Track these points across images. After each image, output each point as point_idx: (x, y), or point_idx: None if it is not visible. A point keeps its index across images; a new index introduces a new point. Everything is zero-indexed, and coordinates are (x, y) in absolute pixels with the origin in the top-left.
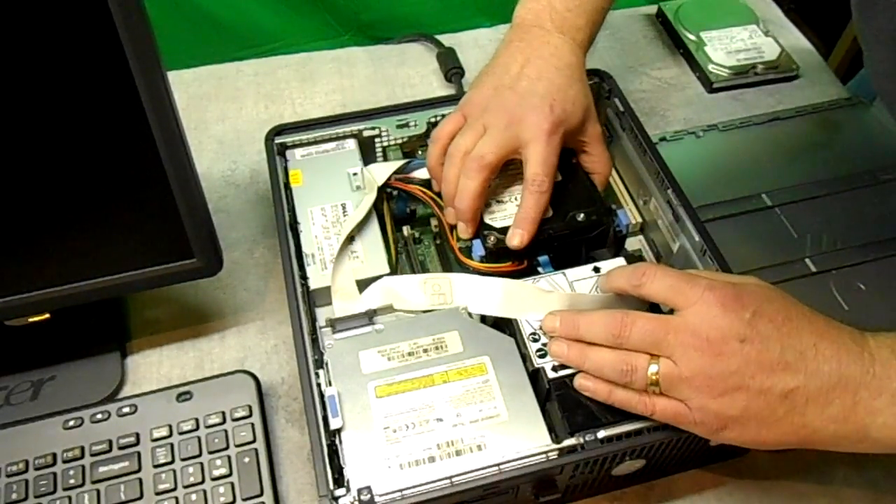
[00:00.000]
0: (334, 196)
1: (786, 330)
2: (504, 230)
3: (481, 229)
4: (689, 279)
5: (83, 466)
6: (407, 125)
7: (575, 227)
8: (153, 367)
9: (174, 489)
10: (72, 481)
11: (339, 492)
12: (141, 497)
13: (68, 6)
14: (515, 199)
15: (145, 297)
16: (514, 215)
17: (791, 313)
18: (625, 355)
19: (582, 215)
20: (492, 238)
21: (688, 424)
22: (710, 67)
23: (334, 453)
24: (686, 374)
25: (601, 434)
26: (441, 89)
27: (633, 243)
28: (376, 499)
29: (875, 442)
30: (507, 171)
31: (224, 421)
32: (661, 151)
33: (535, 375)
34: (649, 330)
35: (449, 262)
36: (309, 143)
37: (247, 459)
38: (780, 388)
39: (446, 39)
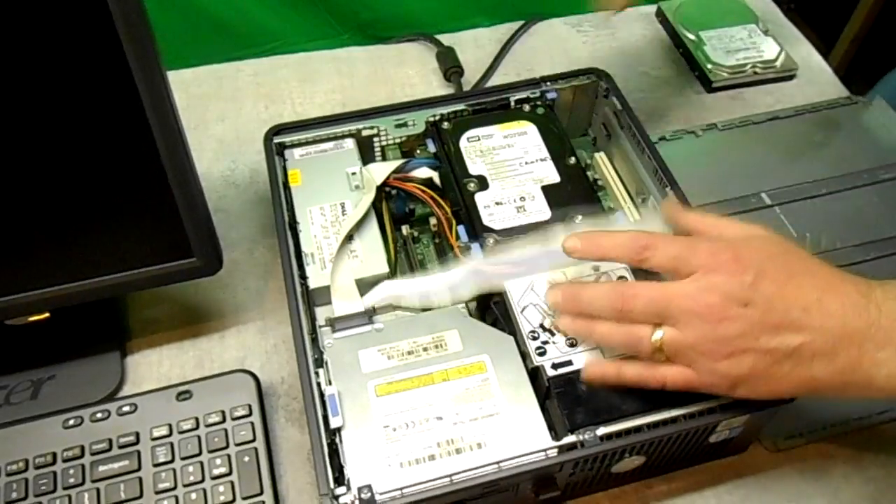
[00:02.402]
0: (333, 195)
1: (789, 288)
2: (503, 232)
3: (480, 231)
4: (691, 247)
5: (83, 465)
6: (405, 124)
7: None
8: (153, 367)
9: (174, 488)
10: (72, 480)
11: (340, 490)
12: (141, 496)
13: (68, 6)
14: (514, 201)
15: (145, 296)
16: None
17: (794, 269)
18: (629, 327)
19: (580, 217)
20: (490, 240)
21: (700, 388)
22: (710, 67)
23: (334, 452)
24: (690, 341)
25: (601, 431)
26: (441, 89)
27: None
28: (377, 497)
29: (881, 390)
30: (510, 174)
31: (224, 420)
32: (661, 151)
33: (534, 373)
34: (652, 300)
35: (448, 262)
36: (307, 143)
37: (247, 458)
38: (785, 346)
39: (446, 39)
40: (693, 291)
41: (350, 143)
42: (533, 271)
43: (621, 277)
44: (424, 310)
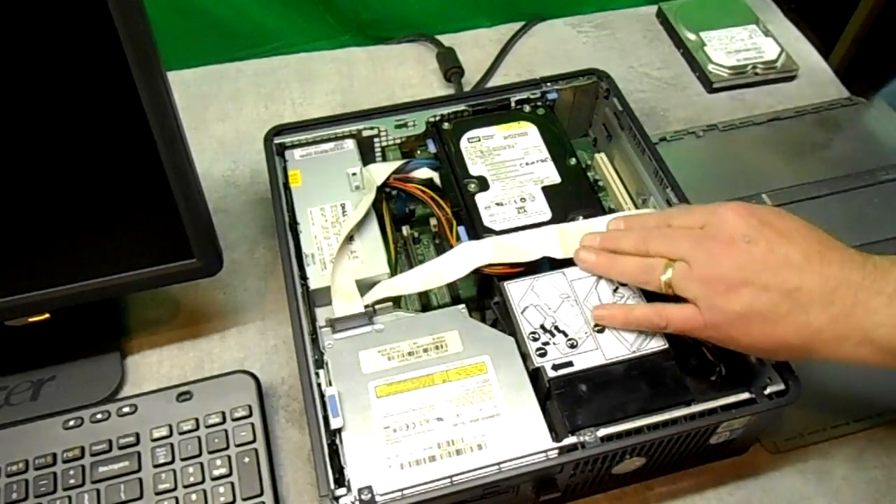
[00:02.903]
0: (333, 196)
1: (792, 237)
2: (503, 233)
3: (480, 231)
4: (705, 206)
5: (83, 466)
6: (405, 125)
7: None
8: (153, 367)
9: (174, 489)
10: (72, 481)
11: (340, 491)
12: (141, 497)
13: (68, 6)
14: (515, 201)
15: (145, 297)
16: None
17: (799, 226)
18: (645, 259)
19: (580, 218)
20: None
21: (699, 329)
22: (710, 67)
23: (335, 453)
24: (696, 273)
25: (601, 433)
26: (441, 89)
27: None
28: (377, 498)
29: (874, 345)
30: (511, 175)
31: (224, 421)
32: (662, 151)
33: (535, 374)
34: (669, 234)
35: None
36: (308, 144)
37: (247, 459)
38: (784, 285)
39: (446, 39)
40: (706, 232)
41: (350, 144)
42: (524, 249)
43: None
44: (424, 310)
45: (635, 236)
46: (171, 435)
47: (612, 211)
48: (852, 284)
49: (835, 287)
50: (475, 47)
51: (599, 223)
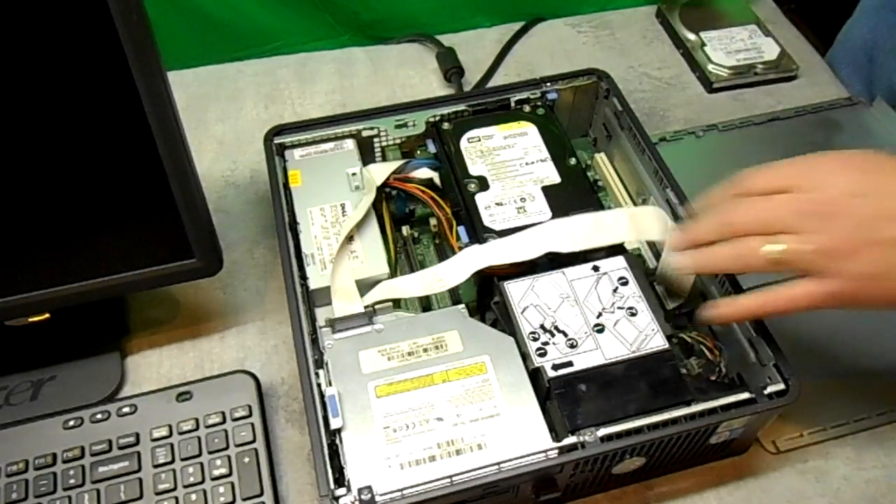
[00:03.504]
0: (333, 196)
1: (888, 181)
2: (504, 233)
3: (480, 231)
4: (783, 164)
5: (83, 466)
6: (405, 125)
7: None
8: (153, 367)
9: (174, 489)
10: (72, 481)
11: (340, 491)
12: (141, 497)
13: (68, 6)
14: (515, 201)
15: (145, 297)
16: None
17: (886, 166)
18: (740, 241)
19: None
20: (491, 241)
21: (819, 300)
22: (710, 67)
23: (335, 453)
24: (808, 242)
25: (601, 432)
26: (441, 89)
27: (631, 241)
28: (377, 498)
29: None
30: (510, 175)
31: (224, 421)
32: (661, 151)
33: (534, 374)
34: (756, 205)
35: None
36: (308, 144)
37: (247, 459)
38: None
39: (446, 39)
40: (801, 195)
41: (350, 144)
42: (526, 253)
43: (622, 279)
44: (424, 310)
45: (713, 221)
46: (170, 435)
47: None
48: None
49: None
50: (475, 47)
51: (599, 216)
